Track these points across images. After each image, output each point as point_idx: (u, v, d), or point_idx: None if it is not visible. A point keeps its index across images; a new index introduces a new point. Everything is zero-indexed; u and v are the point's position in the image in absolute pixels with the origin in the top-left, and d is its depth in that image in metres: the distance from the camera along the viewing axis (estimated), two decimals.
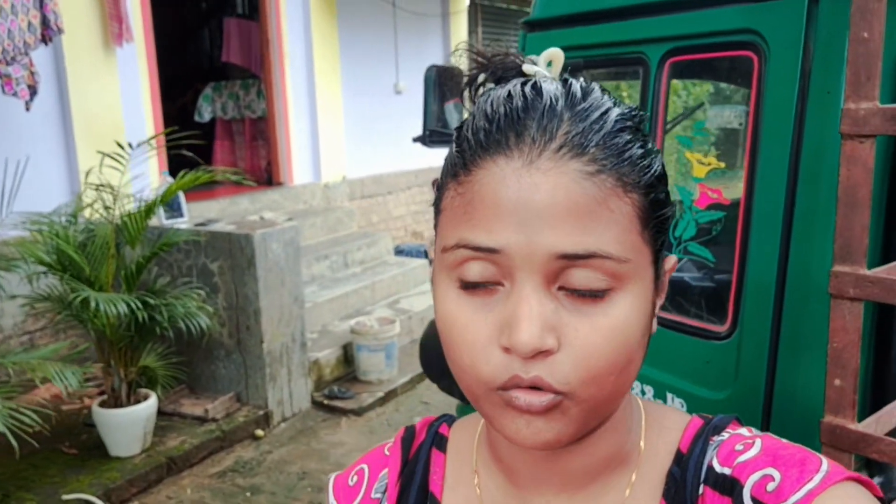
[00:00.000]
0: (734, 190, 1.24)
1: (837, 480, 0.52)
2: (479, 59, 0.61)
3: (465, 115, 0.60)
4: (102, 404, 3.80)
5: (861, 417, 1.07)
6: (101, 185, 3.66)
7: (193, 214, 5.08)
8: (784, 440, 0.58)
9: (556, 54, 0.59)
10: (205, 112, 6.88)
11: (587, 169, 0.51)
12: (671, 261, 0.60)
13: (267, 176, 6.60)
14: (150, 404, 3.82)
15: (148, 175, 4.86)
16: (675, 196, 1.35)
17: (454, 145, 0.57)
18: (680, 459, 0.60)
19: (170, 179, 4.51)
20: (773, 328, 1.17)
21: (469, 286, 0.54)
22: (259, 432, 4.25)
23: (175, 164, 4.74)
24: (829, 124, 1.11)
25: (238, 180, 3.89)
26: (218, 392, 4.42)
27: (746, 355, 1.22)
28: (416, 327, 5.54)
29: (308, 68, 6.47)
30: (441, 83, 1.77)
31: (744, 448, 0.58)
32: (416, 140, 1.86)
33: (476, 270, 0.53)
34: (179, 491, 3.69)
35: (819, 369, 1.08)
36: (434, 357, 2.27)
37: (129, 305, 3.42)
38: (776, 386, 1.17)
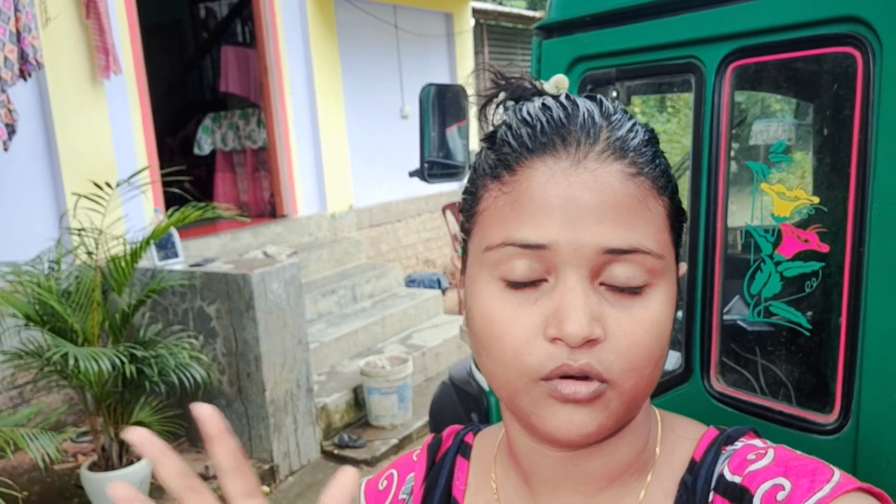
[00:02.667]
0: (836, 233, 0.92)
1: (848, 490, 0.52)
2: (499, 79, 0.62)
3: (473, 137, 0.56)
4: (92, 467, 3.49)
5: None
6: (83, 229, 3.39)
7: (192, 253, 4.81)
8: (798, 452, 0.58)
9: (562, 81, 0.62)
10: (204, 144, 6.64)
11: (629, 170, 0.54)
12: (683, 268, 0.63)
13: (270, 208, 6.33)
14: (145, 465, 3.51)
15: (142, 214, 4.60)
16: (748, 240, 1.03)
17: (489, 151, 0.59)
18: (692, 468, 0.61)
19: (162, 217, 4.25)
20: None
21: (513, 282, 0.55)
22: (265, 489, 3.92)
23: (175, 201, 4.47)
24: None
25: (231, 216, 3.62)
26: None
27: (867, 457, 0.89)
28: (430, 364, 5.22)
29: (309, 95, 6.22)
30: (441, 105, 1.48)
31: (756, 458, 0.58)
32: (413, 174, 1.56)
33: (522, 267, 0.54)
34: None
35: None
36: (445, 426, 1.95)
37: (112, 360, 3.12)
38: None
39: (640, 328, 0.54)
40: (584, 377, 0.53)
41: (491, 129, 0.61)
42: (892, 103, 0.84)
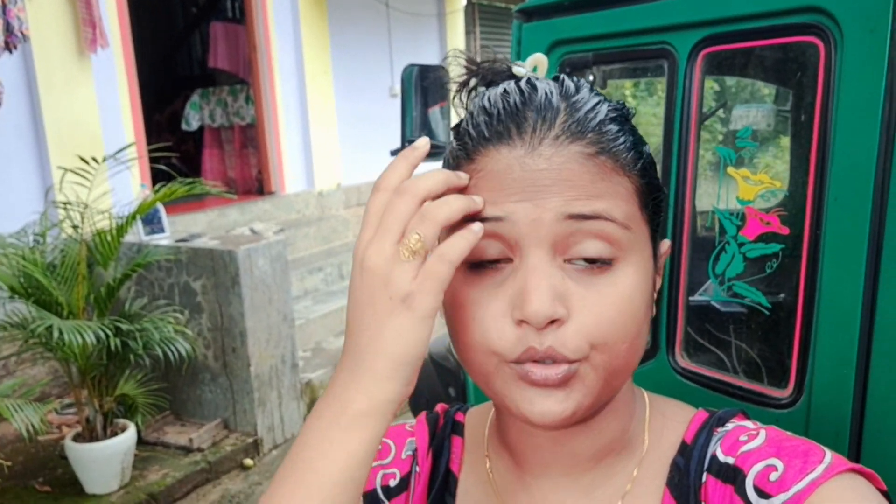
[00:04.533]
0: (796, 216, 0.96)
1: (840, 471, 0.52)
2: (470, 65, 0.62)
3: (454, 120, 0.63)
4: (77, 438, 3.52)
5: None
6: (68, 203, 3.39)
7: (178, 228, 4.81)
8: (789, 433, 0.59)
9: (540, 59, 0.61)
10: (192, 120, 6.61)
11: (587, 151, 0.54)
12: (665, 244, 0.62)
13: (258, 185, 6.33)
14: (128, 437, 3.55)
15: (129, 189, 4.60)
16: (714, 222, 1.07)
17: (454, 140, 0.59)
18: (684, 450, 0.61)
19: (148, 192, 4.25)
20: (857, 398, 0.89)
21: (476, 264, 0.55)
22: (248, 462, 3.97)
23: (162, 176, 4.46)
24: None
25: (217, 193, 3.61)
26: (204, 418, 4.15)
27: (818, 431, 0.94)
28: None
29: (298, 72, 6.19)
30: (423, 85, 1.50)
31: (748, 438, 0.58)
32: (394, 154, 1.59)
33: (483, 246, 0.54)
34: None
35: None
36: (423, 400, 2.00)
37: (97, 333, 3.14)
38: None
39: (608, 304, 0.53)
40: (551, 360, 0.53)
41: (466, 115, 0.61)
42: (849, 93, 0.88)
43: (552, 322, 0.52)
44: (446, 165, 0.60)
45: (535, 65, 0.62)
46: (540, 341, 0.52)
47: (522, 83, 0.57)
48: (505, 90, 0.57)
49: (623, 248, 0.54)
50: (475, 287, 0.55)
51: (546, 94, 0.55)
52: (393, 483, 0.71)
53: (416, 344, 0.52)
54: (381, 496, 0.71)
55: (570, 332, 0.52)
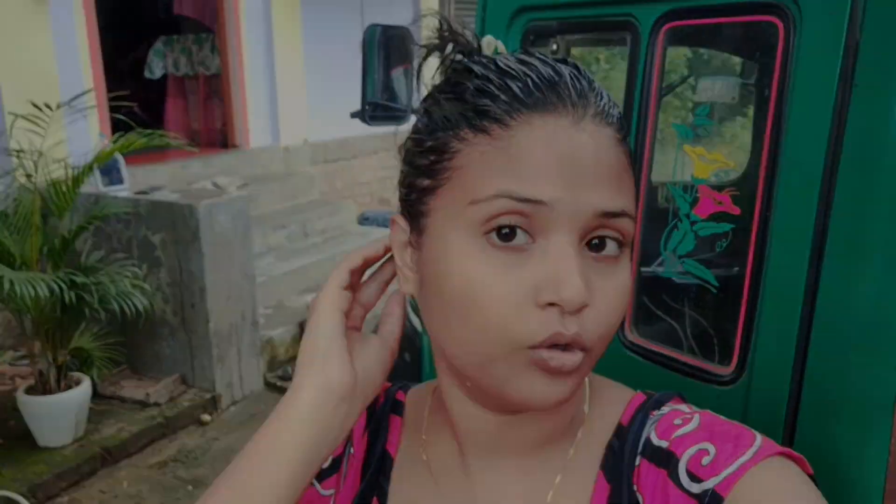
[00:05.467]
0: (747, 197, 0.97)
1: (769, 454, 0.53)
2: (445, 31, 0.60)
3: (419, 83, 0.63)
4: (29, 390, 3.47)
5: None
6: (21, 151, 3.28)
7: (139, 180, 4.69)
8: (722, 417, 0.60)
9: (489, 43, 0.60)
10: (156, 68, 6.42)
11: (617, 136, 0.55)
12: None
13: (222, 138, 6.19)
14: (83, 390, 3.51)
15: (87, 138, 4.46)
16: (669, 199, 1.07)
17: (454, 102, 0.56)
18: (620, 432, 0.62)
19: (107, 142, 4.13)
20: (795, 379, 0.90)
21: (498, 241, 0.53)
22: (205, 417, 3.96)
23: (124, 126, 4.33)
24: (883, 118, 0.83)
25: (178, 145, 3.53)
26: (162, 373, 4.12)
27: (756, 409, 0.96)
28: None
29: (266, 21, 6.03)
30: (386, 46, 1.46)
31: (682, 423, 0.59)
32: (354, 116, 1.55)
33: (513, 222, 0.52)
34: (114, 485, 3.41)
35: (859, 437, 0.82)
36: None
37: (51, 286, 3.08)
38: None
39: (617, 295, 0.54)
40: (568, 346, 0.52)
41: (437, 78, 0.60)
42: (805, 76, 0.88)
43: (580, 308, 0.52)
44: (446, 128, 0.56)
45: (487, 47, 0.60)
46: (567, 326, 0.52)
47: (539, 56, 0.56)
48: (522, 59, 0.55)
49: (629, 241, 0.56)
50: (494, 264, 0.52)
51: (572, 73, 0.55)
52: (325, 464, 0.70)
53: (314, 331, 0.61)
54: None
55: (588, 319, 0.52)
